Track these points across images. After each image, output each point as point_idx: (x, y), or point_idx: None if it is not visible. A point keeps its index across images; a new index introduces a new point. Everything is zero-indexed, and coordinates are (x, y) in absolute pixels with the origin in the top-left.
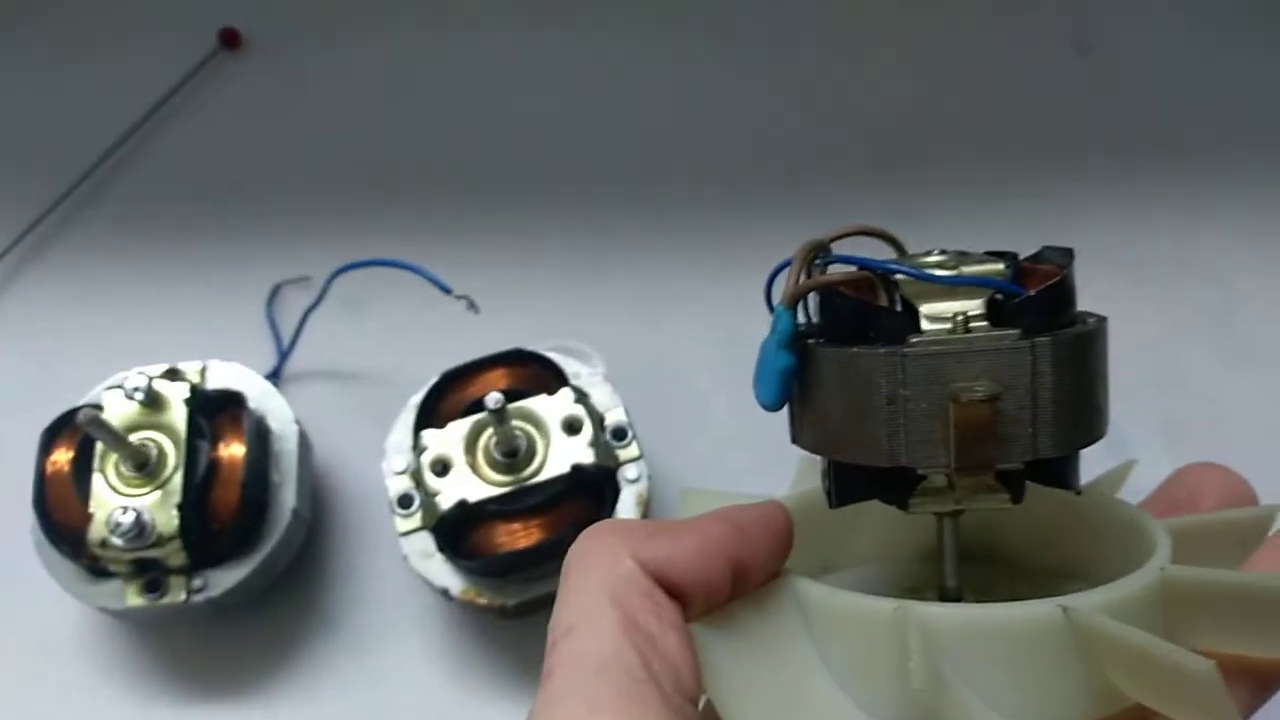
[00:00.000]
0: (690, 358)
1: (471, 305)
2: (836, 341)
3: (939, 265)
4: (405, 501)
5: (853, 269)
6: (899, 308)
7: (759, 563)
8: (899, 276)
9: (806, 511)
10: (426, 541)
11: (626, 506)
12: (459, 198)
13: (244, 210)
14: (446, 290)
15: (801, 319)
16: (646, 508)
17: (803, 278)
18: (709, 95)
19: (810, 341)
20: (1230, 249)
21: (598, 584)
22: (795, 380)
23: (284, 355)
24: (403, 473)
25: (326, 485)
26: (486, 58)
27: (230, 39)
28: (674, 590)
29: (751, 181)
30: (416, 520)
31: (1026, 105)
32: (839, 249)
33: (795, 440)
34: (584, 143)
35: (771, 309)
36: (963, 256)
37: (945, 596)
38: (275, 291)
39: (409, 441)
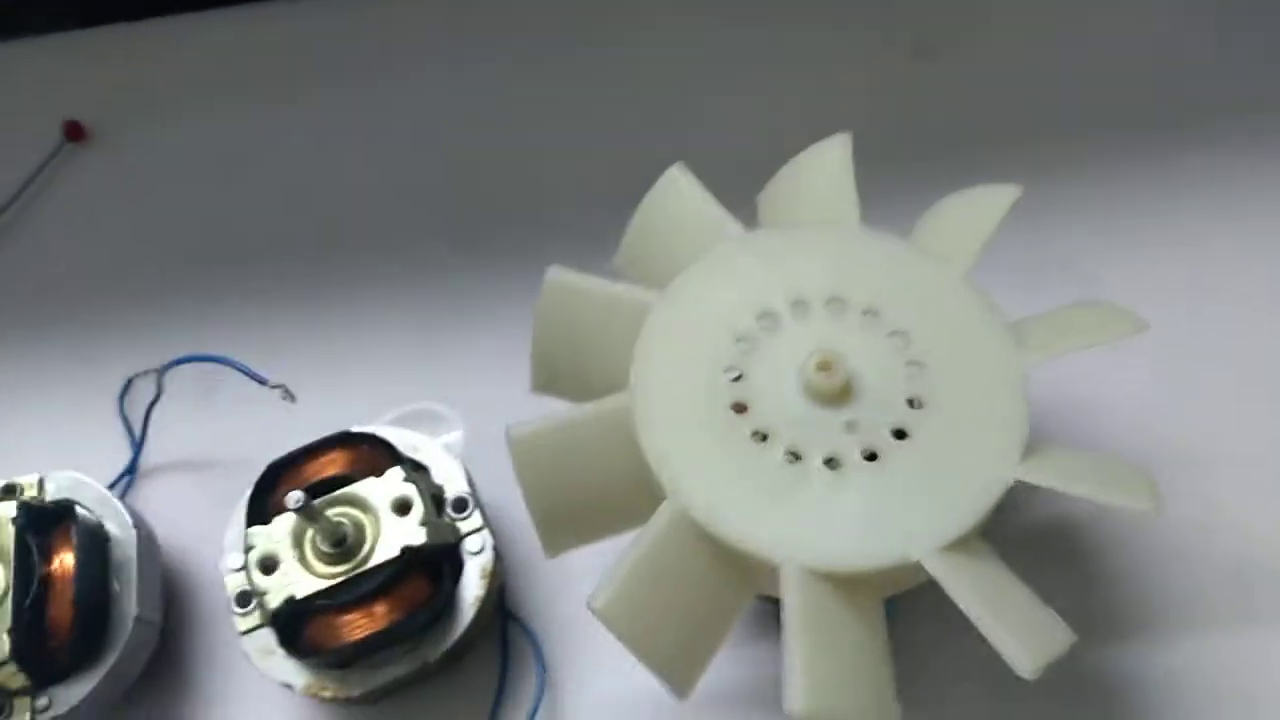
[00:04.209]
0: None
1: (287, 394)
2: None
3: None
4: (244, 600)
5: None
6: None
7: None
8: None
9: None
10: (268, 638)
11: (471, 580)
12: (312, 271)
13: (94, 304)
14: (262, 381)
15: None
16: (491, 580)
17: None
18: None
19: None
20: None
21: None
22: None
23: (136, 451)
24: (240, 570)
25: (184, 584)
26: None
27: (74, 132)
28: None
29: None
30: (255, 618)
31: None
32: None
33: None
34: (432, 207)
35: None
36: None
37: None
38: (128, 386)
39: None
